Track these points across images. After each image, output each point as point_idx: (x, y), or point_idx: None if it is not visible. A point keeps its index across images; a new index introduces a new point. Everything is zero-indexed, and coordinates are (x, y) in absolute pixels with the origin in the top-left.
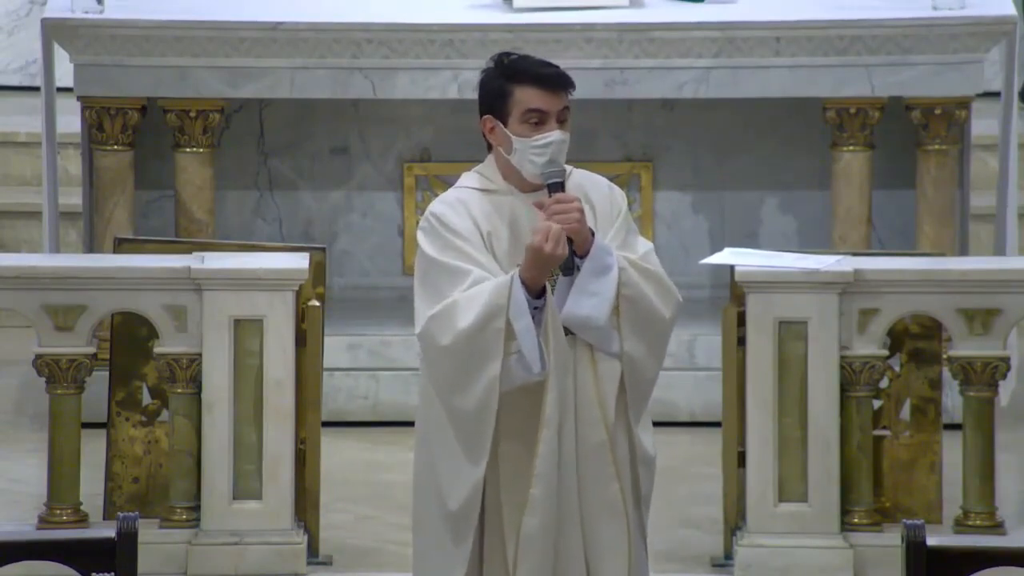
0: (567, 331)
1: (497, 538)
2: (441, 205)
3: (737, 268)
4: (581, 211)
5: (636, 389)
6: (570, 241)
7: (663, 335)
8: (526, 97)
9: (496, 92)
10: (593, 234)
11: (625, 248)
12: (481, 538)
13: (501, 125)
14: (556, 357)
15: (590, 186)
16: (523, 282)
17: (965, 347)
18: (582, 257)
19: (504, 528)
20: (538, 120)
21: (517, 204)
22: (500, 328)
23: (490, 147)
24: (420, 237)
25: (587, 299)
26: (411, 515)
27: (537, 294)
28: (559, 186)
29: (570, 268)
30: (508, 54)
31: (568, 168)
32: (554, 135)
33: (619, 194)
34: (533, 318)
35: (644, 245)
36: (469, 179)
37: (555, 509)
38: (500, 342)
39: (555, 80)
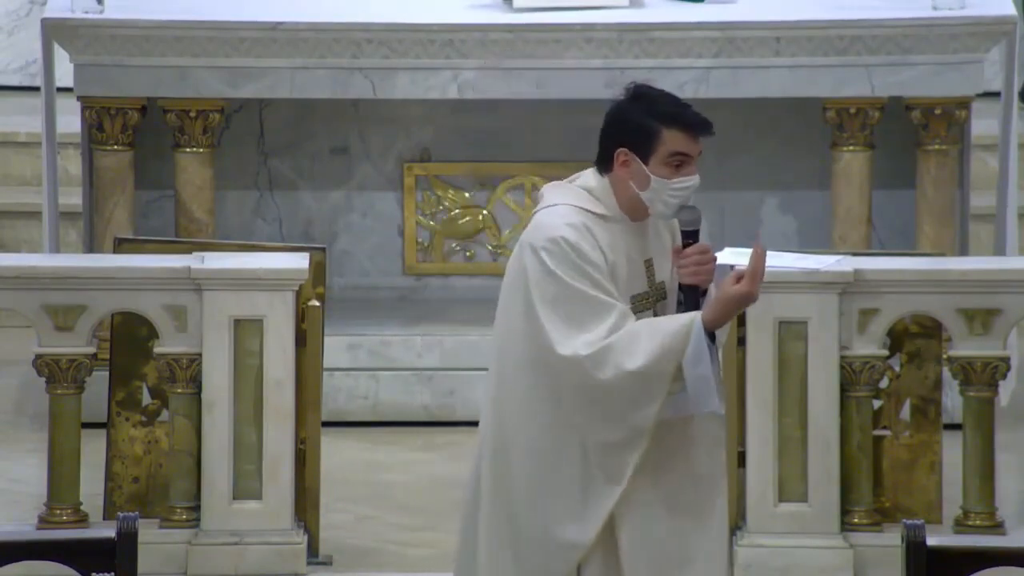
0: None
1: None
2: (569, 230)
3: (737, 268)
4: (714, 261)
5: None
6: (695, 288)
7: None
8: (674, 140)
9: (641, 129)
10: None
11: None
12: None
13: (640, 162)
14: None
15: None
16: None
17: (965, 347)
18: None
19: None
20: (680, 163)
21: (627, 233)
22: (669, 372)
23: (601, 171)
24: (546, 258)
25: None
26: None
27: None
28: (695, 235)
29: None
30: (642, 86)
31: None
32: (694, 180)
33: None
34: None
35: None
36: (577, 197)
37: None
38: (666, 385)
39: (702, 126)
